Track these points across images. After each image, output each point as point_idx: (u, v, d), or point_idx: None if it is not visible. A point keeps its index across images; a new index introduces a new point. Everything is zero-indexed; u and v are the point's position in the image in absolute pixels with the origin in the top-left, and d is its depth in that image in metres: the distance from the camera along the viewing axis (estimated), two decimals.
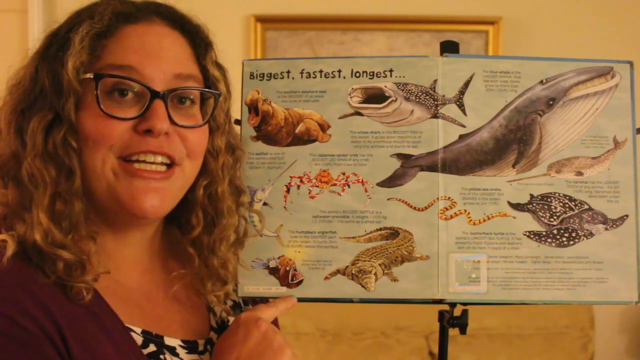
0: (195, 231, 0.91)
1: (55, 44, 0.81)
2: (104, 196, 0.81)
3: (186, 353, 0.86)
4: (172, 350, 0.84)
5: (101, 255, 0.82)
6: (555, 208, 0.96)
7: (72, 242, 0.78)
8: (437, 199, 0.96)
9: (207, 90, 0.87)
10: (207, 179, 0.90)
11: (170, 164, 0.83)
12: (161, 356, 0.83)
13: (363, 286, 0.96)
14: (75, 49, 0.79)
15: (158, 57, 0.83)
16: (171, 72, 0.83)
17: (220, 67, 0.92)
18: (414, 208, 0.96)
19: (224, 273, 0.92)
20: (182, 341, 0.86)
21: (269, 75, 0.99)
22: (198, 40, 0.89)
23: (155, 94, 0.81)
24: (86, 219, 0.81)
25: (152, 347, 0.82)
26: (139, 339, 0.82)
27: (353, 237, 0.96)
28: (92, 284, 0.78)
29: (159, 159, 0.82)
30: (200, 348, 0.88)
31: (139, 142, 0.81)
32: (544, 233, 0.96)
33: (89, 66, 0.80)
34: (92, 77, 0.79)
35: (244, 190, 0.95)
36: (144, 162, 0.81)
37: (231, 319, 0.95)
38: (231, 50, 3.15)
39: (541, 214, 0.96)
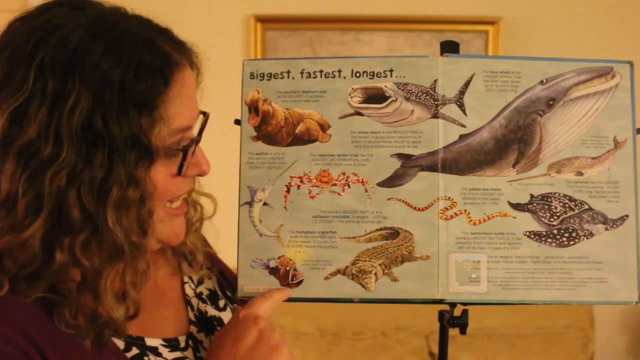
0: None
1: (119, 99, 0.74)
2: (152, 236, 0.82)
3: (169, 352, 0.86)
4: (155, 351, 0.85)
5: None
6: (556, 208, 0.96)
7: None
8: (437, 199, 0.96)
9: (205, 118, 0.89)
10: None
11: None
12: (145, 358, 0.83)
13: (363, 286, 0.96)
14: (158, 115, 0.76)
15: (197, 107, 0.85)
16: (198, 116, 0.86)
17: None
18: (414, 208, 0.96)
19: (194, 258, 0.98)
20: (163, 340, 0.87)
21: (269, 75, 0.99)
22: (198, 70, 0.88)
23: (198, 141, 0.85)
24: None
25: (134, 350, 0.82)
26: (120, 344, 0.81)
27: (353, 237, 0.96)
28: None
29: None
30: (182, 345, 0.89)
31: (185, 186, 0.85)
32: (544, 233, 0.96)
33: (164, 129, 0.78)
34: (180, 150, 0.81)
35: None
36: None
37: (209, 309, 0.96)
38: (231, 50, 3.16)
39: (541, 214, 0.96)
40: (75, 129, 0.72)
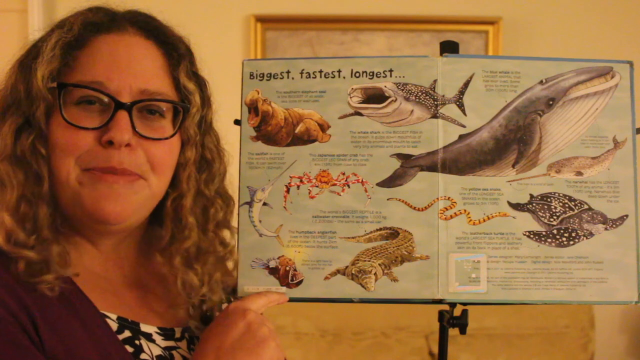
0: (163, 241, 0.92)
1: (31, 53, 0.84)
2: (69, 202, 0.83)
3: (162, 339, 0.87)
4: (149, 337, 0.85)
5: (75, 254, 0.84)
6: (555, 208, 0.96)
7: (34, 243, 0.79)
8: (437, 199, 0.96)
9: (174, 102, 0.87)
10: (176, 192, 0.91)
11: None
12: (136, 341, 0.83)
13: (363, 286, 0.96)
14: (44, 58, 0.82)
15: (126, 70, 0.83)
16: (138, 85, 0.83)
17: (197, 77, 0.92)
18: (414, 208, 0.96)
19: (184, 288, 0.91)
20: (159, 328, 0.87)
21: (268, 75, 1.00)
22: (172, 52, 0.88)
23: (119, 105, 0.81)
24: (52, 223, 0.82)
25: (127, 333, 0.83)
26: (114, 325, 0.83)
27: (353, 237, 0.96)
28: (55, 283, 0.78)
29: (126, 177, 0.84)
30: (177, 335, 0.89)
31: (101, 156, 0.82)
32: (544, 233, 0.96)
33: (59, 76, 0.82)
34: (55, 86, 0.81)
35: (218, 202, 0.94)
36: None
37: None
38: (231, 50, 3.16)
39: (541, 214, 0.96)
40: (6, 82, 0.85)
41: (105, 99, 0.82)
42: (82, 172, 0.82)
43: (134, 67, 0.84)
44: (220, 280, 0.94)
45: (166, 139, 0.86)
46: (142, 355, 0.83)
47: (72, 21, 0.84)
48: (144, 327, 0.86)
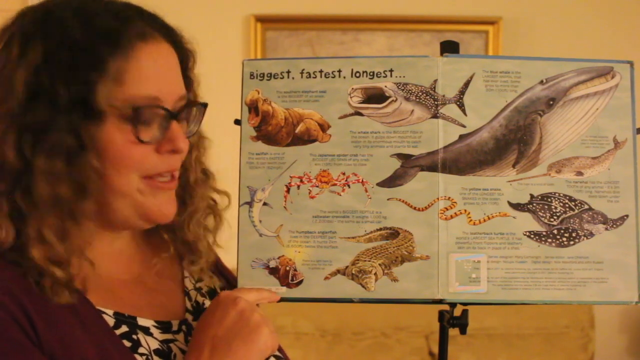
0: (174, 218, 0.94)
1: (67, 58, 0.78)
2: (127, 212, 0.84)
3: (160, 332, 0.87)
4: (146, 330, 0.85)
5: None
6: (556, 208, 0.96)
7: (67, 261, 0.79)
8: (437, 199, 0.96)
9: (200, 104, 0.91)
10: (181, 170, 0.93)
11: None
12: (134, 336, 0.84)
13: (363, 286, 0.96)
14: (104, 76, 0.78)
15: (170, 81, 0.85)
16: (177, 94, 0.86)
17: (194, 73, 0.95)
18: (414, 208, 0.96)
19: (196, 247, 0.96)
20: (156, 321, 0.87)
21: (269, 75, 0.99)
22: (184, 53, 0.90)
23: (172, 116, 0.84)
24: (88, 237, 0.83)
25: (124, 328, 0.83)
26: (110, 321, 0.83)
27: (353, 237, 0.96)
28: (70, 300, 0.79)
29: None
30: (175, 328, 0.89)
31: (162, 163, 0.85)
32: (544, 233, 0.96)
33: (115, 94, 0.79)
34: (124, 109, 0.80)
35: (212, 174, 0.99)
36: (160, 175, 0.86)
37: (207, 302, 0.97)
38: (231, 50, 3.16)
39: (541, 214, 0.96)
40: (22, 81, 0.77)
41: (161, 112, 0.83)
42: (141, 181, 0.84)
43: (172, 76, 0.86)
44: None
45: (194, 135, 0.92)
46: (140, 350, 0.83)
47: (118, 28, 0.80)
48: (141, 321, 0.86)
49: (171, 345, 0.87)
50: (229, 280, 1.06)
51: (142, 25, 0.83)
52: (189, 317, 0.93)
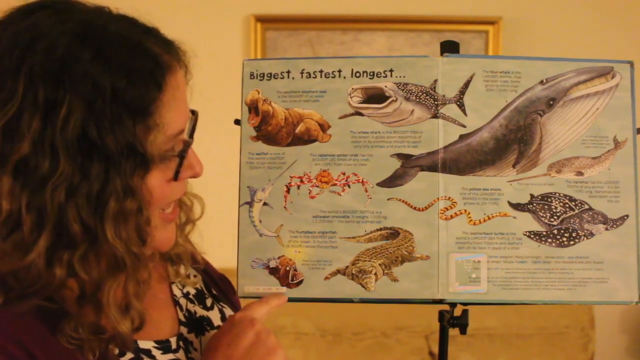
0: None
1: (107, 108, 0.71)
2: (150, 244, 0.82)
3: (161, 354, 0.86)
4: (148, 353, 0.84)
5: None
6: (556, 208, 0.96)
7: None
8: (437, 199, 0.96)
9: (194, 117, 0.86)
10: None
11: None
12: None
13: (363, 286, 0.96)
14: (153, 124, 0.74)
15: (186, 108, 0.82)
16: (188, 117, 0.83)
17: None
18: (414, 208, 0.96)
19: (179, 256, 0.95)
20: (155, 342, 0.86)
21: (269, 75, 0.99)
22: (185, 70, 0.86)
23: (190, 144, 0.83)
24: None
25: (129, 355, 0.81)
26: (114, 349, 0.80)
27: (353, 237, 0.96)
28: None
29: None
30: (174, 346, 0.89)
31: (179, 190, 0.84)
32: (544, 233, 0.96)
33: (159, 136, 0.76)
34: (176, 155, 0.79)
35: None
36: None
37: (198, 309, 0.96)
38: (231, 50, 3.15)
39: (541, 214, 0.96)
40: (70, 141, 0.70)
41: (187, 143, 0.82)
42: (158, 215, 0.82)
43: (186, 101, 0.83)
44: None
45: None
46: None
47: (152, 69, 0.74)
48: (142, 344, 0.84)
49: None
50: (209, 272, 1.05)
51: (163, 53, 0.77)
52: (184, 329, 0.92)
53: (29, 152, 0.69)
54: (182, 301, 0.96)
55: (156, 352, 0.85)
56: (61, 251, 0.72)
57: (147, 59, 0.75)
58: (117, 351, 0.80)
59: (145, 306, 0.87)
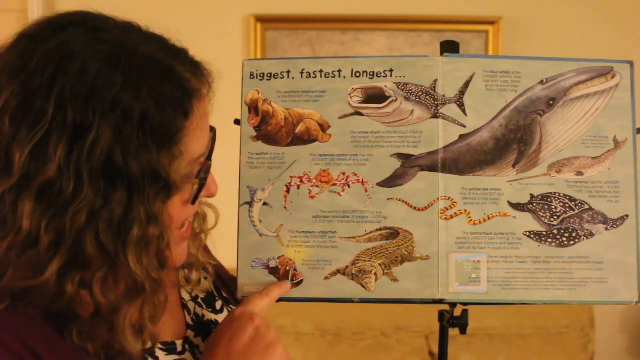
0: None
1: (134, 133, 0.70)
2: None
3: (165, 355, 0.86)
4: (152, 355, 0.85)
5: None
6: (556, 208, 0.96)
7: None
8: (437, 199, 0.96)
9: (213, 135, 0.86)
10: None
11: None
12: None
13: (363, 286, 0.96)
14: (174, 149, 0.73)
15: (208, 131, 0.82)
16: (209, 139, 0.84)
17: None
18: (414, 208, 0.96)
19: (190, 263, 0.96)
20: (161, 343, 0.86)
21: (269, 75, 0.99)
22: (210, 90, 0.85)
23: (209, 167, 0.83)
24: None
25: None
26: None
27: (353, 237, 0.96)
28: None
29: None
30: (179, 349, 0.89)
31: (193, 209, 0.84)
32: (544, 233, 0.96)
33: (182, 161, 0.76)
34: (196, 179, 0.79)
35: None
36: None
37: (206, 313, 0.96)
38: (231, 50, 3.15)
39: (541, 214, 0.96)
40: (96, 166, 0.69)
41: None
42: (176, 234, 0.83)
43: (208, 124, 0.83)
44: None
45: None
46: None
47: (180, 97, 0.74)
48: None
49: None
50: (221, 275, 1.05)
51: (191, 78, 0.77)
52: (191, 333, 0.92)
53: (54, 176, 0.69)
54: (191, 305, 0.96)
55: (160, 353, 0.85)
56: (74, 271, 0.72)
57: (177, 86, 0.74)
58: None
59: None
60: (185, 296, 0.96)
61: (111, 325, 0.74)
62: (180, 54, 0.79)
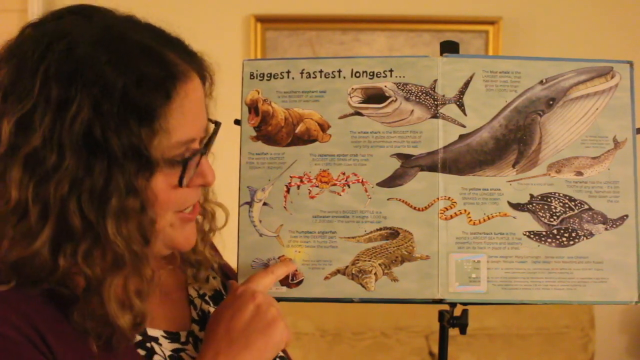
0: None
1: (116, 109, 0.73)
2: (157, 246, 0.84)
3: (168, 342, 0.87)
4: (155, 341, 0.86)
5: None
6: (555, 208, 0.96)
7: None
8: (437, 198, 0.96)
9: (216, 124, 0.89)
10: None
11: None
12: (147, 344, 0.84)
13: (363, 286, 0.96)
14: (159, 127, 0.75)
15: (202, 117, 0.84)
16: (205, 127, 0.85)
17: None
18: (414, 208, 0.96)
19: (199, 262, 0.97)
20: (165, 332, 0.88)
21: (269, 75, 1.00)
22: (208, 80, 0.87)
23: (203, 152, 0.84)
24: None
25: (137, 337, 0.83)
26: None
27: (353, 237, 0.96)
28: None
29: None
30: (183, 339, 0.90)
31: (193, 196, 0.85)
32: (544, 233, 0.96)
33: (165, 141, 0.77)
34: (170, 158, 0.79)
35: (212, 189, 0.99)
36: None
37: (212, 310, 0.97)
38: (231, 50, 3.15)
39: (541, 214, 0.96)
40: (77, 138, 0.72)
41: (197, 152, 0.83)
42: (174, 215, 0.84)
43: (203, 112, 0.84)
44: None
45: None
46: (155, 357, 0.84)
47: (164, 76, 0.76)
48: (150, 331, 0.86)
49: (182, 354, 0.87)
50: (229, 275, 1.05)
51: (180, 63, 0.79)
52: (195, 327, 0.93)
53: (38, 146, 0.72)
54: (197, 301, 0.96)
55: (163, 341, 0.87)
56: (64, 243, 0.75)
57: (161, 67, 0.76)
58: None
59: (158, 302, 0.89)
60: (193, 293, 0.97)
61: (101, 299, 0.76)
62: (174, 42, 0.81)
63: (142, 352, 0.83)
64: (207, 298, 0.98)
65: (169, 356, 0.85)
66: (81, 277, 0.77)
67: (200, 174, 0.84)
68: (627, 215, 0.97)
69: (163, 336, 0.87)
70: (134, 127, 0.74)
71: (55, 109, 0.72)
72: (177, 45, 0.81)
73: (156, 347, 0.85)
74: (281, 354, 0.96)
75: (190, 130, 0.81)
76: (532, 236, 0.96)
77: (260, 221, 0.97)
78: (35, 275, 0.75)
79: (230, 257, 1.03)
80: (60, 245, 0.75)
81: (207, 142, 0.85)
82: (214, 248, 1.04)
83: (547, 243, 0.96)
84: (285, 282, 0.96)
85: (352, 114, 0.98)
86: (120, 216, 0.75)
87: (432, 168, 0.97)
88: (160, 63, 0.77)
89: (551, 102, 0.98)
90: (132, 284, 0.79)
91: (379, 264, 0.96)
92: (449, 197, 0.96)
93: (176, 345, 0.88)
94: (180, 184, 0.81)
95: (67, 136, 0.72)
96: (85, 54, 0.74)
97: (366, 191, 0.97)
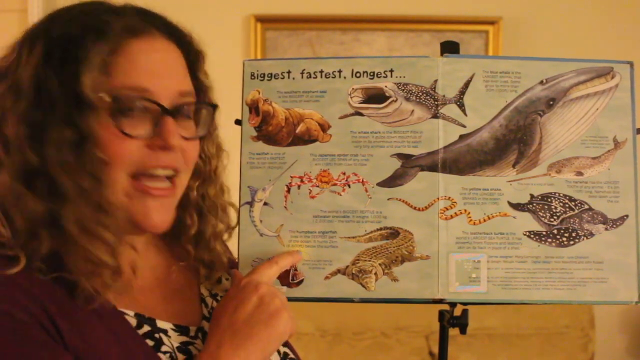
0: (192, 230, 0.95)
1: (59, 53, 0.81)
2: (120, 213, 0.84)
3: (178, 335, 0.88)
4: (165, 333, 0.86)
5: None
6: (556, 208, 0.97)
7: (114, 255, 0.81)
8: (437, 198, 0.96)
9: (207, 103, 0.91)
10: (198, 181, 0.95)
11: (171, 176, 0.87)
12: (156, 335, 0.85)
13: (363, 286, 0.96)
14: (88, 65, 0.80)
15: (165, 75, 0.85)
16: (175, 90, 0.85)
17: (208, 75, 0.94)
18: (414, 208, 0.96)
19: (213, 262, 0.98)
20: (174, 325, 0.88)
21: (269, 75, 1.00)
22: (192, 52, 0.91)
23: (165, 111, 0.83)
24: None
25: (146, 328, 0.84)
26: (132, 321, 0.84)
27: (353, 237, 0.97)
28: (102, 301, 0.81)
29: (167, 172, 0.86)
30: (192, 334, 0.90)
31: (151, 158, 0.83)
32: (544, 233, 0.96)
33: (102, 84, 0.80)
34: (109, 99, 0.80)
35: (228, 189, 1.01)
36: (152, 176, 0.85)
37: None
38: (231, 50, 3.16)
39: (541, 214, 0.96)
40: (28, 80, 0.80)
41: (151, 106, 0.83)
42: (128, 180, 0.83)
43: (170, 72, 0.86)
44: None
45: (201, 137, 0.91)
46: (163, 348, 0.84)
47: (108, 22, 0.83)
48: (160, 324, 0.86)
49: (190, 348, 0.88)
50: None
51: (136, 20, 0.84)
52: (206, 324, 0.93)
53: (4, 91, 0.82)
54: (209, 300, 0.97)
55: (172, 333, 0.87)
56: (33, 180, 0.80)
57: (108, 15, 0.84)
58: (134, 324, 0.84)
59: (170, 297, 0.92)
60: (205, 292, 0.97)
61: (69, 235, 0.79)
62: (138, 8, 0.88)
63: (150, 343, 0.83)
64: (219, 298, 0.98)
65: (177, 348, 0.86)
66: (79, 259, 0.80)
67: (160, 135, 0.83)
68: (627, 215, 0.97)
69: (172, 329, 0.88)
70: (69, 67, 0.80)
71: (19, 60, 0.82)
72: (149, 14, 0.88)
73: (164, 339, 0.85)
74: (287, 350, 0.95)
75: (140, 79, 0.82)
76: (532, 236, 0.96)
77: (260, 221, 0.98)
78: (29, 228, 0.78)
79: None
80: (29, 182, 0.79)
81: (179, 107, 0.85)
82: (225, 247, 1.04)
83: (547, 243, 0.96)
84: (285, 282, 0.96)
85: (352, 114, 0.98)
86: (58, 145, 0.79)
87: (433, 168, 0.97)
88: (110, 13, 0.84)
89: (551, 102, 0.98)
90: (89, 212, 0.80)
91: (379, 264, 0.96)
92: (449, 197, 0.96)
93: (185, 339, 0.88)
94: (121, 131, 0.81)
95: (23, 79, 0.81)
96: (61, 16, 0.85)
97: (366, 191, 0.97)
